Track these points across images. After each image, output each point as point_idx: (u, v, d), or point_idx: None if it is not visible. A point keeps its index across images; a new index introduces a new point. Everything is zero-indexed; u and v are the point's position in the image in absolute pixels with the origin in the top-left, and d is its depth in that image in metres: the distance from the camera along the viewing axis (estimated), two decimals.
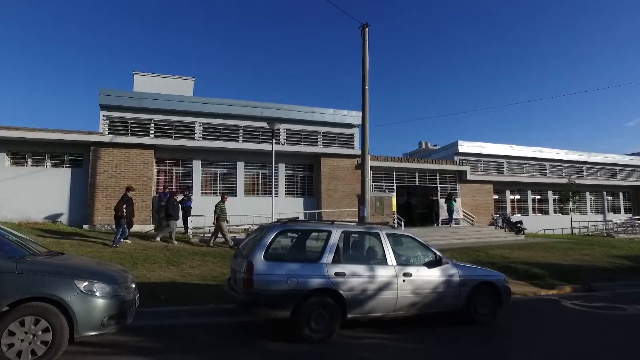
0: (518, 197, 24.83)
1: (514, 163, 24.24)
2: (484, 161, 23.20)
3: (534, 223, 23.78)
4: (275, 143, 19.08)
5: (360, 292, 5.34)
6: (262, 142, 18.93)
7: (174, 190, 16.71)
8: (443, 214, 20.74)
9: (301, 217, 18.21)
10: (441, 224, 20.50)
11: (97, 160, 16.05)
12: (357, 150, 19.58)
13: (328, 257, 5.34)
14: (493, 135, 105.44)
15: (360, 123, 12.41)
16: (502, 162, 23.70)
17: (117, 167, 16.35)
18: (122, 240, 12.09)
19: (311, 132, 19.59)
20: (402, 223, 17.00)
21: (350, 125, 19.98)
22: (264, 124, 18.91)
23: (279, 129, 18.11)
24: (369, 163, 12.23)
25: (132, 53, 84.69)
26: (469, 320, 6.05)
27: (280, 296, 4.97)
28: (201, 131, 18.41)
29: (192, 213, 15.91)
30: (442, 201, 20.87)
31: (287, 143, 19.38)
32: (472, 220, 21.37)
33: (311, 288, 5.09)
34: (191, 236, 14.76)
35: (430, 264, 5.95)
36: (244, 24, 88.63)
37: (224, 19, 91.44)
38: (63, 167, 16.51)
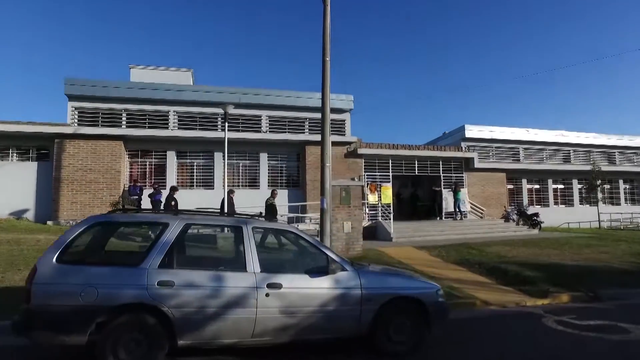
0: (537, 186, 22.22)
1: (532, 149, 21.64)
2: (496, 147, 20.79)
3: (556, 215, 21.20)
4: (257, 131, 17.76)
5: (196, 310, 3.72)
6: (242, 130, 17.50)
7: (154, 184, 15.66)
8: (447, 206, 18.63)
9: (285, 210, 16.72)
10: (445, 217, 18.39)
11: (62, 153, 15.13)
12: (348, 137, 17.87)
13: (154, 260, 3.76)
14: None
15: (321, 100, 10.67)
16: (517, 148, 21.19)
17: (83, 159, 15.37)
18: None
19: (296, 119, 17.97)
20: (391, 216, 15.14)
21: (340, 110, 18.19)
22: (245, 111, 17.56)
23: (255, 118, 16.63)
24: (328, 145, 10.48)
25: (129, 46, 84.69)
26: (377, 350, 4.28)
27: (71, 314, 3.44)
28: (176, 120, 17.19)
29: (163, 207, 14.75)
30: (445, 192, 18.76)
31: (270, 131, 17.84)
32: (482, 213, 19.11)
33: (118, 303, 3.53)
34: None
35: (315, 271, 4.24)
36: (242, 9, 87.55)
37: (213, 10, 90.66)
38: (29, 160, 15.74)
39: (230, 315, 3.81)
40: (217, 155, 17.30)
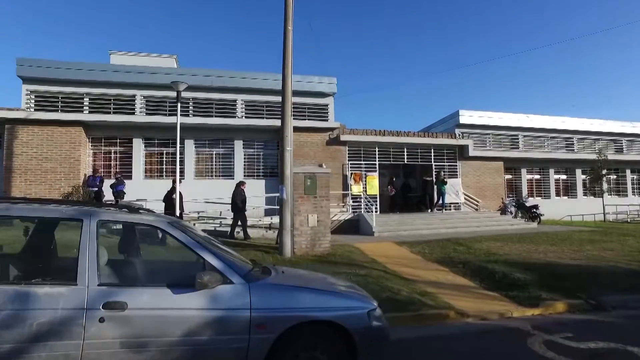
0: (537, 176, 20.74)
1: (532, 136, 20.11)
2: (493, 134, 19.28)
3: (558, 208, 19.75)
4: (232, 116, 16.39)
5: None
6: (216, 115, 16.13)
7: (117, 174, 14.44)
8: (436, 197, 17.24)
9: (262, 202, 15.41)
10: (437, 210, 16.98)
11: (13, 140, 13.84)
12: (331, 123, 16.46)
13: None
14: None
15: (282, 73, 9.32)
16: (516, 135, 19.68)
17: (38, 147, 14.08)
18: None
19: (275, 103, 16.52)
20: (374, 208, 13.79)
21: (322, 94, 16.77)
22: (219, 95, 16.19)
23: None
24: (289, 126, 9.18)
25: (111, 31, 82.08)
26: None
27: None
28: (143, 105, 15.82)
29: (129, 198, 13.59)
30: (437, 184, 17.35)
31: (246, 116, 16.45)
32: (477, 205, 17.71)
33: None
34: None
35: (182, 284, 2.89)
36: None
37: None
38: None
39: (39, 353, 2.48)
40: (189, 143, 15.98)
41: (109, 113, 15.34)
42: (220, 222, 13.78)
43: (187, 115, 15.92)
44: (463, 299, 6.43)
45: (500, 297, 6.61)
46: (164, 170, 15.89)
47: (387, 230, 13.36)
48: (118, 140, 15.52)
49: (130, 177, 15.28)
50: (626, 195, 21.90)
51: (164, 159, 15.93)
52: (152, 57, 18.34)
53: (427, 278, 7.62)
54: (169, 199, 11.29)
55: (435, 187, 17.12)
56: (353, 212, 15.59)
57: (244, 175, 16.22)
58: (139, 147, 15.46)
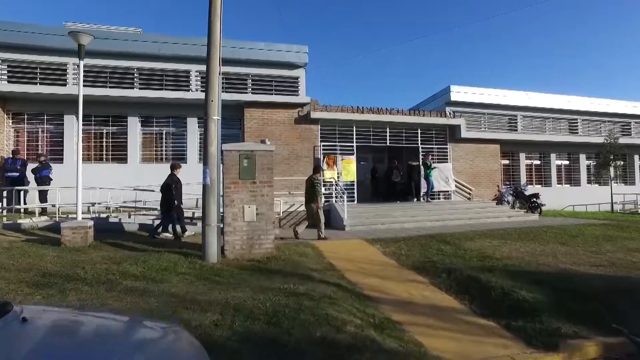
0: (537, 162, 18.60)
1: (532, 116, 17.85)
2: (488, 114, 17.00)
3: (560, 197, 17.66)
4: (185, 89, 13.95)
5: None
6: (167, 88, 13.69)
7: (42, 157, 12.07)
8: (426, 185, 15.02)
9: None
10: (424, 198, 14.77)
11: None
12: (302, 98, 14.12)
13: None
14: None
15: (208, 11, 6.93)
16: (515, 115, 17.41)
17: None
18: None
19: (235, 75, 14.11)
20: (345, 197, 11.52)
21: (292, 65, 14.35)
22: (167, 65, 13.73)
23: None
24: (215, 87, 6.82)
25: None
26: None
27: None
28: (77, 75, 13.28)
29: (58, 185, 11.46)
30: (423, 168, 15.11)
31: (201, 90, 13.98)
32: (469, 194, 15.54)
33: None
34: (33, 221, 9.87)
35: None
36: None
37: None
38: None
39: None
40: (133, 121, 13.59)
41: (35, 84, 12.83)
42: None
43: (132, 88, 13.47)
44: (443, 334, 4.24)
45: (499, 329, 4.41)
46: (104, 152, 13.51)
47: (361, 223, 11.14)
48: (46, 117, 13.10)
49: (61, 161, 12.93)
50: (634, 183, 19.86)
51: (104, 140, 13.54)
52: (113, 30, 15.58)
53: (396, 295, 5.42)
54: (168, 190, 8.94)
55: (420, 172, 14.87)
56: (326, 201, 13.34)
57: (200, 159, 13.89)
58: (71, 125, 13.03)
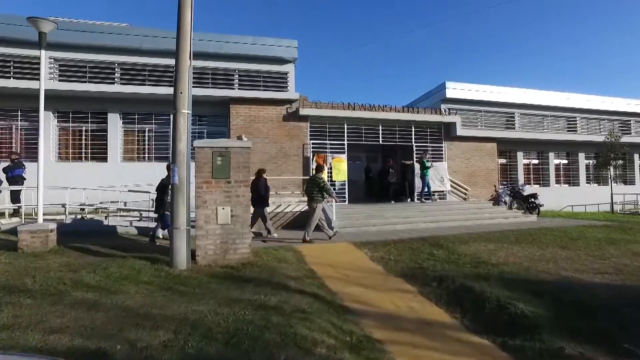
0: (535, 161, 18.09)
1: (530, 114, 17.31)
2: (485, 111, 16.45)
3: (558, 197, 17.16)
4: (170, 85, 13.30)
5: None
6: (149, 84, 13.08)
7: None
8: (421, 184, 14.48)
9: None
10: (417, 198, 14.23)
11: None
12: (291, 94, 13.53)
13: None
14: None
15: (179, 12, 6.41)
16: (512, 113, 16.87)
17: None
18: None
19: (222, 70, 13.52)
20: (337, 198, 10.93)
21: (281, 60, 13.76)
22: (150, 59, 13.12)
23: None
24: (185, 77, 6.24)
25: None
26: None
27: None
28: (56, 69, 12.69)
29: (32, 185, 10.82)
30: (418, 166, 14.57)
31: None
32: (465, 194, 15.01)
33: None
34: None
35: None
36: None
37: None
38: None
39: None
40: (114, 118, 12.98)
41: (8, 78, 12.21)
42: (141, 214, 10.88)
43: (112, 83, 12.86)
44: (430, 355, 3.69)
45: (494, 349, 3.85)
46: (83, 149, 12.91)
47: (351, 225, 10.58)
48: (19, 112, 12.48)
49: (35, 159, 12.28)
50: (633, 183, 19.37)
51: (83, 137, 12.94)
52: (96, 24, 14.89)
53: (380, 307, 4.86)
54: (164, 190, 8.40)
55: (419, 171, 14.32)
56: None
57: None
58: (48, 121, 12.41)
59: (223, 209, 6.37)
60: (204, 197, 6.33)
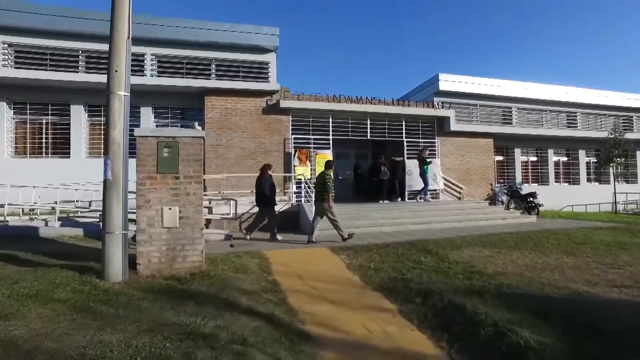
0: (534, 158, 17.18)
1: (528, 109, 16.38)
2: (481, 106, 15.50)
3: (557, 196, 16.26)
4: (140, 74, 12.29)
5: None
6: None
7: None
8: (412, 182, 13.52)
9: None
10: (420, 198, 13.26)
11: None
12: (271, 85, 12.50)
13: None
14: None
15: None
16: (510, 108, 15.94)
17: None
18: None
19: (197, 60, 12.48)
20: (314, 196, 9.93)
21: (262, 49, 12.74)
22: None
23: None
24: (122, 47, 5.18)
25: None
26: None
27: None
28: (10, 55, 11.61)
29: None
30: (410, 163, 13.62)
31: (158, 75, 12.35)
32: (460, 193, 14.06)
33: None
34: None
35: None
36: None
37: None
38: None
39: None
40: (76, 109, 11.93)
41: None
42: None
43: (77, 72, 11.80)
44: None
45: None
46: (43, 145, 11.86)
47: (332, 227, 9.56)
48: None
49: None
50: (635, 182, 18.48)
51: (43, 131, 11.88)
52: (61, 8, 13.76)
53: (348, 332, 3.88)
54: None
55: (412, 169, 13.38)
56: (297, 201, 11.79)
57: None
58: (2, 113, 11.36)
59: (170, 209, 5.36)
60: (147, 196, 5.32)
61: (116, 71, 4.98)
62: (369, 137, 13.48)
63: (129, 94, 5.14)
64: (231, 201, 10.05)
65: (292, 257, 6.88)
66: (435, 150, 14.00)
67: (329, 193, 8.11)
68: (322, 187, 8.20)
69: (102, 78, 11.49)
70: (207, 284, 4.99)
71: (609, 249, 7.18)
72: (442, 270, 5.76)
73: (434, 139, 14.18)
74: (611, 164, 16.14)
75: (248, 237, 8.79)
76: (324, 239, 8.63)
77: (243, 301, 4.43)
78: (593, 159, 17.82)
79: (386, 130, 13.61)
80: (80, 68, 11.85)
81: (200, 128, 5.75)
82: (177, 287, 4.86)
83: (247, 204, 10.66)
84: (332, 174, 8.63)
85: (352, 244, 7.83)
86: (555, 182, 17.15)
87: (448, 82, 14.64)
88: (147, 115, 12.20)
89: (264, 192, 8.81)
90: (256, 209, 9.56)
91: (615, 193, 16.20)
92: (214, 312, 4.02)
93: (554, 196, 15.93)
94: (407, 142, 13.78)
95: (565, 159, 17.66)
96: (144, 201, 5.32)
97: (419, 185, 13.14)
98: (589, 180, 17.75)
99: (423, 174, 12.61)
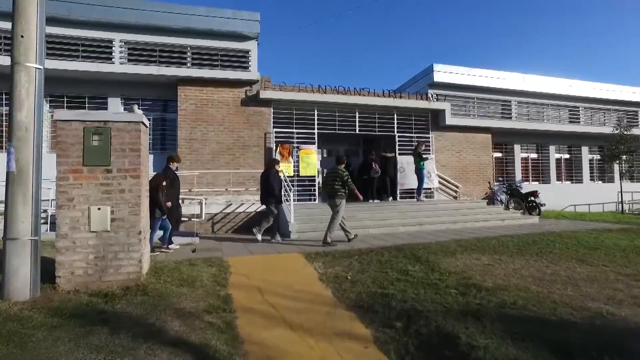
0: (534, 155, 16.25)
1: (529, 103, 15.42)
2: (478, 99, 14.53)
3: (559, 195, 15.34)
4: (109, 62, 11.28)
5: None
6: (82, 59, 10.99)
7: None
8: (404, 180, 12.57)
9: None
10: (417, 197, 12.30)
11: None
12: (251, 74, 11.50)
13: None
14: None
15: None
16: (509, 101, 14.98)
17: None
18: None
19: (171, 47, 11.46)
20: (292, 196, 8.99)
21: (241, 37, 11.74)
22: (82, 32, 11.05)
23: None
24: (36, 16, 4.15)
25: None
26: None
27: None
28: None
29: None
30: (402, 159, 12.67)
31: (129, 62, 11.32)
32: (456, 191, 13.11)
33: None
34: None
35: None
36: None
37: None
38: None
39: None
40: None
41: None
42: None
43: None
44: None
45: None
46: None
47: (313, 229, 8.62)
48: None
49: None
50: None
51: None
52: None
53: None
54: (156, 189, 6.71)
55: (405, 166, 12.42)
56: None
57: None
58: None
59: (99, 209, 4.38)
60: (69, 193, 4.34)
61: (22, 36, 3.99)
62: (357, 132, 12.51)
63: (42, 67, 4.14)
64: (202, 200, 9.09)
65: (258, 265, 5.91)
66: (429, 146, 13.03)
67: (353, 189, 7.53)
68: (334, 183, 7.51)
69: (62, 65, 10.52)
70: (138, 302, 4.00)
71: (626, 255, 6.23)
72: (432, 282, 4.79)
73: (428, 133, 13.23)
74: (616, 161, 15.23)
75: (275, 240, 7.97)
76: (300, 243, 7.66)
77: (174, 327, 3.46)
78: (597, 156, 16.92)
79: (376, 124, 12.65)
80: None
81: (140, 112, 4.75)
82: (98, 306, 3.88)
83: (221, 204, 9.69)
84: (344, 169, 7.81)
85: (331, 248, 6.86)
86: (557, 180, 16.23)
87: (443, 73, 13.68)
88: (115, 106, 11.20)
89: (274, 189, 7.98)
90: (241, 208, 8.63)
91: (622, 192, 15.28)
92: (127, 345, 3.04)
93: (555, 195, 15.01)
94: (399, 137, 12.83)
95: (567, 156, 16.75)
96: (66, 199, 4.33)
97: (412, 183, 12.21)
98: (592, 178, 16.84)
99: (419, 171, 11.65)
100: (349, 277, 5.15)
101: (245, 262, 6.09)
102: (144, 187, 4.81)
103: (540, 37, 75.26)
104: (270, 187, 7.99)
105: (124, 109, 11.31)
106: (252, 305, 4.22)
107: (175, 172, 7.40)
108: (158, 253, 6.63)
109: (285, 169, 11.02)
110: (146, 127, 4.98)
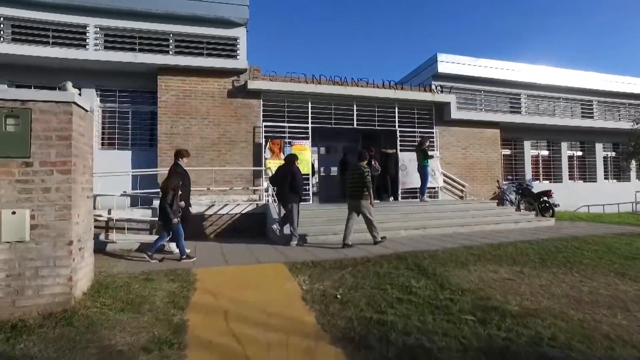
0: (545, 152, 15.24)
1: (539, 96, 14.39)
2: (485, 92, 13.50)
3: (571, 195, 14.36)
4: (82, 48, 10.29)
5: None
6: (54, 44, 10.00)
7: None
8: (406, 179, 11.59)
9: (127, 184, 9.63)
10: (419, 197, 11.30)
11: None
12: (239, 62, 10.50)
13: None
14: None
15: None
16: (518, 95, 13.95)
17: None
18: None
19: (152, 34, 10.47)
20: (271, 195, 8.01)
21: (229, 23, 10.75)
22: (53, 16, 10.07)
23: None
24: None
25: None
26: None
27: None
28: None
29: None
30: (403, 156, 11.68)
31: (106, 48, 10.33)
32: (462, 191, 12.12)
33: None
34: None
35: None
36: None
37: None
38: None
39: None
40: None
41: None
42: None
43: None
44: None
45: None
46: None
47: (304, 232, 7.63)
48: None
49: None
50: None
51: None
52: None
53: None
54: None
55: (407, 164, 11.45)
56: (267, 201, 9.81)
57: (101, 144, 10.43)
58: None
59: (14, 213, 3.40)
60: None
61: None
62: (355, 127, 11.50)
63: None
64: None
65: (231, 278, 4.93)
66: (433, 142, 12.04)
67: (369, 188, 6.89)
68: (360, 182, 6.88)
69: (30, 51, 9.60)
70: (54, 336, 3.03)
71: None
72: (442, 304, 3.80)
73: (432, 128, 12.22)
74: (636, 158, 14.21)
75: (294, 242, 7.21)
76: (288, 250, 6.68)
77: None
78: (611, 154, 15.89)
79: (376, 118, 11.64)
80: (2, 39, 9.85)
81: (74, 91, 3.78)
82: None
83: (204, 205, 8.71)
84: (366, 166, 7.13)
85: (321, 258, 5.87)
86: (569, 179, 15.22)
87: (448, 63, 12.67)
88: (89, 97, 10.21)
89: (300, 186, 7.30)
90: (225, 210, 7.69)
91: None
92: None
93: (567, 195, 14.00)
94: (400, 132, 11.82)
95: (580, 153, 15.73)
96: None
97: (415, 182, 11.23)
98: (606, 177, 15.82)
99: (422, 169, 10.66)
100: (338, 296, 4.17)
101: (217, 274, 5.12)
102: (80, 185, 3.83)
103: (551, 24, 73.85)
104: (296, 184, 7.21)
105: (44, 93, 10.31)
106: (211, 336, 3.25)
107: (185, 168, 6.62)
108: (155, 261, 5.79)
109: (275, 166, 10.04)
110: (85, 110, 4.01)
